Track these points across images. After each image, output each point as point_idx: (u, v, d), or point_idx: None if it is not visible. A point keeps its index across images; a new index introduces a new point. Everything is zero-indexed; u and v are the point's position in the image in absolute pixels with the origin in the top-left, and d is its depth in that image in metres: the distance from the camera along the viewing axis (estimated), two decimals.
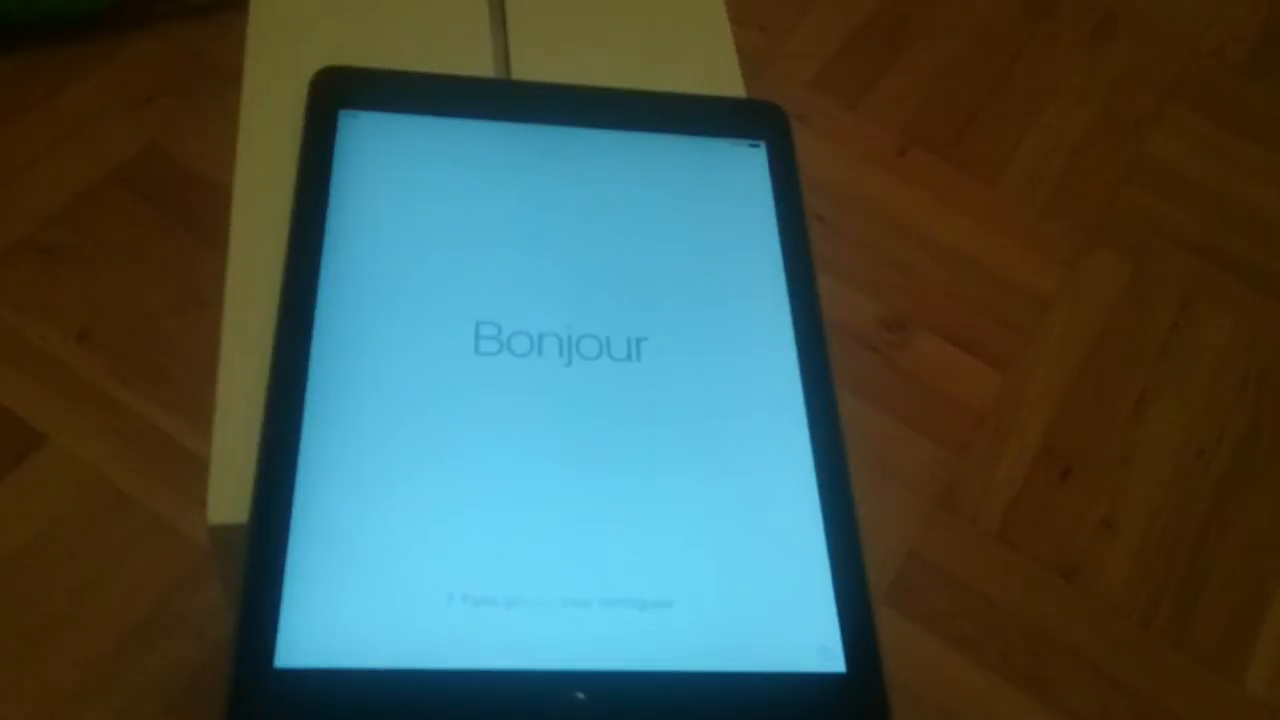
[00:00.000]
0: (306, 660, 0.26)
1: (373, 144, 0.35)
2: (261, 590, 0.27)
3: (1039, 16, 0.63)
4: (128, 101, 0.51)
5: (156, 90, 0.52)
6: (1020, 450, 0.47)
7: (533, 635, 0.28)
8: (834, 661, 0.28)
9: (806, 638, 0.29)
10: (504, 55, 0.40)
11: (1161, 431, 0.49)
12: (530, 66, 0.39)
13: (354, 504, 0.29)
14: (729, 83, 0.41)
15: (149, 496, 0.41)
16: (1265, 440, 0.49)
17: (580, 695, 0.27)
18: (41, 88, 0.51)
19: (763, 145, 0.38)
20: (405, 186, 0.34)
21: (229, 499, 0.30)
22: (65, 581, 0.39)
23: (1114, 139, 0.59)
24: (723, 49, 0.42)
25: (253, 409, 0.30)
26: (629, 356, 0.32)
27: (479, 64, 0.39)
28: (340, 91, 0.36)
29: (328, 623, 0.27)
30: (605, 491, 0.30)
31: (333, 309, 0.31)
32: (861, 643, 0.29)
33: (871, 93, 0.58)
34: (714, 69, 0.41)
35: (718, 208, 0.36)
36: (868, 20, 0.61)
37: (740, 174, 0.37)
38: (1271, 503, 0.48)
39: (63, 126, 0.50)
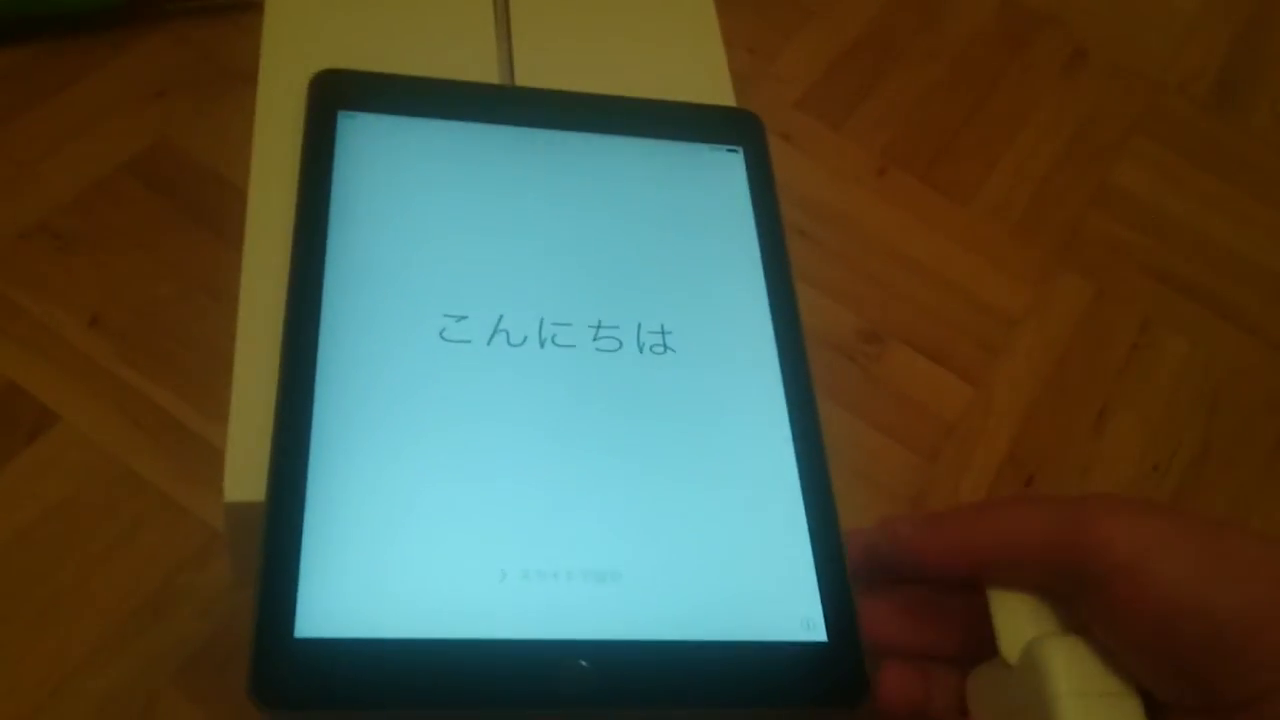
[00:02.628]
0: (324, 630, 0.27)
1: (370, 143, 0.36)
2: (281, 565, 0.28)
3: (1014, 49, 0.65)
4: (139, 95, 0.52)
5: (167, 85, 0.52)
6: (987, 459, 0.49)
7: (537, 607, 0.29)
8: (816, 631, 0.30)
9: (791, 611, 0.30)
10: (509, 64, 0.41)
11: (1120, 445, 0.51)
12: (533, 78, 0.41)
13: (364, 482, 0.30)
14: (721, 98, 0.42)
15: (157, 476, 0.42)
16: (1216, 456, 0.51)
17: (583, 663, 0.28)
18: (55, 80, 0.52)
19: (740, 150, 0.39)
20: (401, 184, 0.35)
21: (244, 478, 0.31)
22: (75, 555, 0.40)
23: (1081, 167, 0.61)
24: (716, 67, 0.44)
25: (266, 394, 0.31)
26: (626, 347, 0.33)
27: (485, 70, 0.40)
28: (339, 94, 0.37)
29: (343, 595, 0.28)
30: (604, 475, 0.31)
31: (337, 300, 0.32)
32: (841, 615, 0.30)
33: (854, 115, 0.60)
34: (708, 85, 0.43)
35: (699, 206, 0.37)
36: (852, 46, 0.63)
37: (720, 176, 0.39)
38: (1220, 514, 0.50)
39: (75, 118, 0.51)
